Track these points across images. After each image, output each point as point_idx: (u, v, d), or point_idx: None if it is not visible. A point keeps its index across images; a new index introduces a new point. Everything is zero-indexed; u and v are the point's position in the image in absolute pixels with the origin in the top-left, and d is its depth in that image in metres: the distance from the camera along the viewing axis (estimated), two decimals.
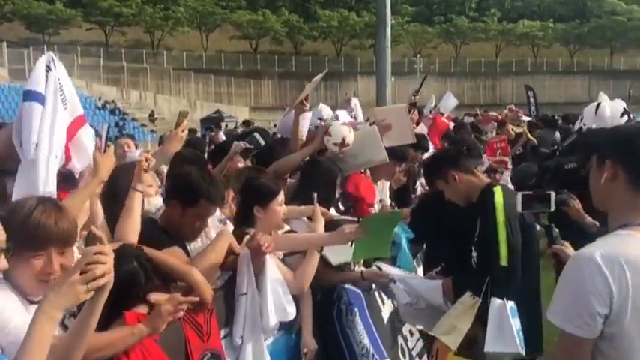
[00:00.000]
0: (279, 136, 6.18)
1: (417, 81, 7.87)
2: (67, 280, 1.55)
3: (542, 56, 59.68)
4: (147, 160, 2.66)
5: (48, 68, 2.85)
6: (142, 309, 2.24)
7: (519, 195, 2.67)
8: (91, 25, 50.34)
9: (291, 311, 2.84)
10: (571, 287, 1.79)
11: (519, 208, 2.69)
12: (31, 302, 1.88)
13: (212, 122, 37.30)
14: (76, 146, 3.07)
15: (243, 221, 3.16)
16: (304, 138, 4.60)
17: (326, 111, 5.45)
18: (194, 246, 2.86)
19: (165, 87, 45.05)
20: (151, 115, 35.97)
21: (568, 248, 2.53)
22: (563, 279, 1.83)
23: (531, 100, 23.38)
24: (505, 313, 3.09)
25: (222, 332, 2.74)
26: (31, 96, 2.77)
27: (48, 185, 2.74)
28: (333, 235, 3.07)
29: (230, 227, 2.97)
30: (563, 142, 11.19)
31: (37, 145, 2.70)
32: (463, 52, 59.23)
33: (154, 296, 2.29)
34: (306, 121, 4.85)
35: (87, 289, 1.56)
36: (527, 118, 13.83)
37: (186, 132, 3.47)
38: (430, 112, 8.09)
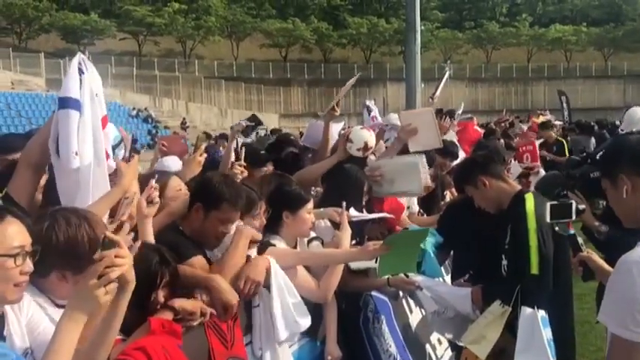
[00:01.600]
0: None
1: (446, 86, 7.76)
2: (86, 284, 1.59)
3: (575, 61, 58.65)
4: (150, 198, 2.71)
5: (80, 71, 2.70)
6: (167, 315, 2.26)
7: (548, 205, 2.65)
8: (125, 35, 51.35)
9: (303, 323, 2.80)
10: (621, 292, 1.77)
11: (548, 218, 2.67)
12: (58, 306, 1.93)
13: (246, 129, 37.72)
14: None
15: (270, 226, 3.18)
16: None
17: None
18: (214, 255, 2.86)
19: (196, 95, 45.63)
20: (183, 123, 36.43)
21: (595, 256, 2.50)
22: (613, 284, 1.82)
23: (564, 105, 23.01)
24: (536, 322, 3.02)
25: (246, 339, 2.73)
26: (66, 103, 2.62)
27: (88, 196, 2.64)
28: (357, 252, 3.07)
29: None
30: (596, 149, 10.99)
31: (76, 154, 2.59)
32: (494, 58, 58.59)
33: (178, 303, 2.31)
34: (337, 127, 4.85)
35: (105, 292, 1.60)
36: (559, 123, 13.64)
37: (204, 156, 3.53)
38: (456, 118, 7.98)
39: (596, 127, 15.91)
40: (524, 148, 8.56)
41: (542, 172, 7.78)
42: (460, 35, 58.43)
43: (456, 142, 6.05)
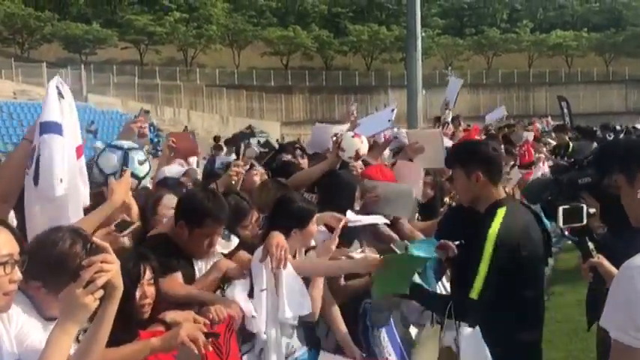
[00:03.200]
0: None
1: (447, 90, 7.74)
2: (74, 293, 1.59)
3: (576, 66, 58.68)
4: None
5: (60, 95, 2.61)
6: (159, 329, 2.25)
7: (560, 209, 2.61)
8: (126, 44, 51.57)
9: (306, 305, 2.83)
10: (624, 298, 1.76)
11: (560, 223, 2.62)
12: (48, 319, 1.91)
13: (245, 138, 37.88)
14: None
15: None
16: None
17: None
18: (198, 265, 2.88)
19: (198, 103, 45.75)
20: (185, 131, 36.51)
21: (605, 261, 2.46)
22: (615, 290, 1.80)
23: (565, 111, 22.98)
24: (479, 342, 2.80)
25: (244, 348, 2.73)
26: (48, 128, 2.49)
27: (78, 215, 2.62)
28: (355, 263, 3.07)
29: (235, 241, 2.97)
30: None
31: (61, 181, 2.48)
32: (495, 64, 58.65)
33: (170, 315, 2.30)
34: (335, 130, 4.88)
35: (94, 299, 1.60)
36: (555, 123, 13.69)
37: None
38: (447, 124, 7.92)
39: (598, 132, 15.91)
40: (522, 149, 8.57)
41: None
42: (461, 42, 58.53)
43: None
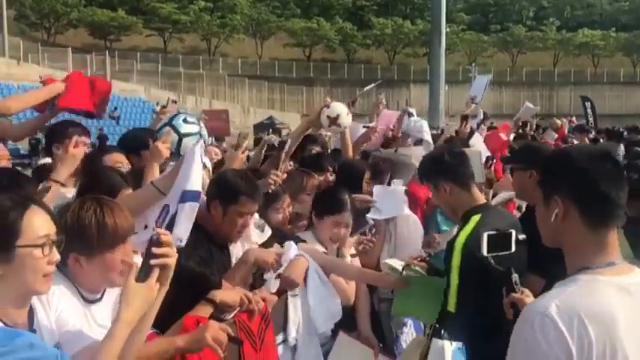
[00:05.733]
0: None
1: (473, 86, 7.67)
2: (131, 283, 1.64)
3: (602, 66, 57.75)
4: None
5: (204, 164, 2.55)
6: (206, 311, 2.24)
7: (484, 235, 2.27)
8: (151, 31, 51.88)
9: (337, 311, 2.84)
10: (524, 349, 1.53)
11: (484, 251, 2.27)
12: (89, 302, 1.94)
13: (265, 128, 37.92)
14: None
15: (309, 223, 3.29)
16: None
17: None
18: (235, 250, 2.88)
19: (220, 93, 45.90)
20: (204, 111, 36.65)
21: (529, 297, 2.11)
22: (515, 338, 1.57)
23: (588, 111, 22.64)
24: (446, 356, 2.77)
25: (278, 339, 2.73)
26: (190, 197, 2.43)
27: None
28: (377, 278, 3.11)
29: (268, 232, 2.98)
30: (627, 154, 10.78)
31: (181, 241, 2.42)
32: (520, 62, 57.95)
33: (220, 296, 2.28)
34: (356, 127, 4.88)
35: (152, 288, 1.65)
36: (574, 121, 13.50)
37: (247, 153, 3.50)
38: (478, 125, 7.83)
39: (625, 133, 15.64)
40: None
41: None
42: (485, 38, 57.90)
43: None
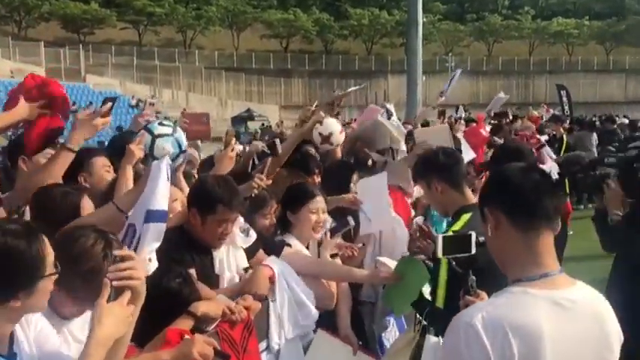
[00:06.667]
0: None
1: (448, 79, 7.70)
2: (102, 304, 1.60)
3: (577, 54, 58.46)
4: None
5: (168, 178, 2.48)
6: (187, 324, 2.21)
7: (439, 237, 2.26)
8: (125, 24, 51.16)
9: (309, 323, 2.82)
10: (449, 357, 1.56)
11: (439, 253, 2.25)
12: (66, 318, 1.91)
13: (242, 121, 37.71)
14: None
15: (282, 225, 3.23)
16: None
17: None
18: (218, 253, 2.83)
19: (197, 86, 45.53)
20: (184, 112, 36.36)
21: (483, 300, 2.08)
22: (444, 345, 1.60)
23: (564, 99, 22.92)
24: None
25: (262, 345, 2.70)
26: (155, 217, 2.36)
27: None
28: (368, 275, 3.10)
29: (253, 237, 2.93)
30: (601, 144, 10.94)
31: (150, 260, 2.36)
32: (496, 51, 58.38)
33: (202, 308, 2.25)
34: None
35: (125, 309, 1.62)
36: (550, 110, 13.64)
37: (236, 151, 3.42)
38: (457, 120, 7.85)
39: (597, 123, 15.86)
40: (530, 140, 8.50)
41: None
42: (462, 28, 58.20)
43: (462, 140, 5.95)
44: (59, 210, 2.48)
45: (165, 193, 2.41)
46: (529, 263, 1.61)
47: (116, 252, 1.71)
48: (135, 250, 2.28)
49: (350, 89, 5.05)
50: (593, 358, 1.60)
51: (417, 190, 4.52)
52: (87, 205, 2.61)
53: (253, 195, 3.15)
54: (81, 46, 42.56)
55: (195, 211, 2.72)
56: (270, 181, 3.30)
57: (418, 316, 2.82)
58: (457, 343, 1.51)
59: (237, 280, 2.80)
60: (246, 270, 2.84)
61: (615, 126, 14.30)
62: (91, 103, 32.94)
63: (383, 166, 4.42)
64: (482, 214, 1.72)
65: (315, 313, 2.86)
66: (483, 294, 2.09)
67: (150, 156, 2.63)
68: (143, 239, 2.34)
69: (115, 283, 1.62)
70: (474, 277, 2.14)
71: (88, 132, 2.76)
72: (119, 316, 1.60)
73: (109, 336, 1.59)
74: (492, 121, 9.13)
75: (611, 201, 3.55)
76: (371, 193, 3.59)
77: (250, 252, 2.92)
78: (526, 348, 1.48)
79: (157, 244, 2.37)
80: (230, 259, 2.81)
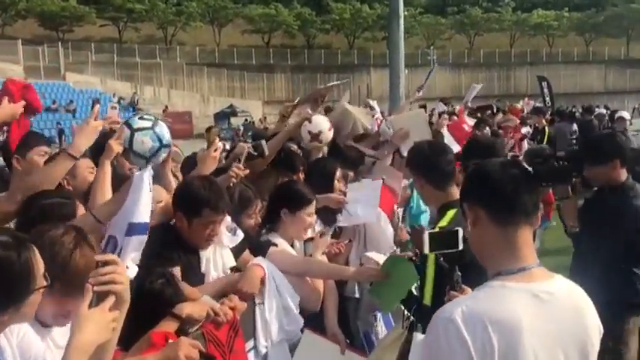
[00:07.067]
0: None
1: (433, 78, 7.69)
2: (83, 310, 1.55)
3: (557, 46, 58.97)
4: None
5: (151, 190, 2.43)
6: (172, 326, 2.19)
7: (426, 234, 2.26)
8: (105, 21, 50.59)
9: (294, 329, 2.81)
10: (430, 352, 1.56)
11: (426, 249, 2.26)
12: (47, 326, 1.86)
13: (225, 117, 37.53)
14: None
15: (268, 222, 3.19)
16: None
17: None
18: (205, 253, 2.80)
19: (178, 82, 45.21)
20: (165, 110, 36.12)
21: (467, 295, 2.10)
22: (425, 341, 1.60)
23: (545, 91, 23.10)
24: None
25: (249, 345, 2.69)
26: (137, 230, 2.33)
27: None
28: (354, 272, 3.09)
29: (240, 236, 2.91)
30: (581, 134, 11.06)
31: (128, 268, 2.32)
32: (477, 43, 58.68)
33: (186, 310, 2.22)
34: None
35: (106, 315, 1.57)
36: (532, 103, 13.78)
37: (220, 150, 3.38)
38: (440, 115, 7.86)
39: (577, 113, 16.02)
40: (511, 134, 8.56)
41: None
42: (443, 21, 58.38)
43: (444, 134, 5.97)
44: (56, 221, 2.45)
45: (147, 205, 2.38)
46: (508, 257, 1.62)
47: (98, 257, 1.66)
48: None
49: (332, 83, 5.03)
50: (573, 349, 1.60)
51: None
52: (81, 212, 2.59)
53: (237, 196, 3.11)
54: (60, 43, 42.02)
55: (181, 214, 2.69)
56: (248, 171, 3.26)
57: (406, 312, 2.83)
58: (438, 338, 1.52)
59: None
60: (232, 269, 2.82)
61: (592, 117, 14.44)
62: (71, 101, 32.69)
63: (371, 165, 4.40)
64: (462, 209, 1.73)
65: (300, 320, 2.85)
66: (468, 289, 2.07)
67: (129, 150, 2.60)
68: (124, 252, 2.32)
69: (96, 288, 1.58)
70: (459, 273, 2.15)
71: (87, 138, 2.75)
72: (100, 322, 1.56)
73: (90, 342, 1.54)
74: (473, 113, 9.19)
75: (566, 214, 3.62)
76: (361, 196, 3.58)
77: (237, 251, 2.90)
78: (506, 341, 1.49)
79: (138, 254, 2.35)
80: (217, 258, 2.79)
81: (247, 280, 2.70)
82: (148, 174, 2.41)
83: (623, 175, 3.48)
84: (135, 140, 2.54)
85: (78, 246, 1.80)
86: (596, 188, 3.62)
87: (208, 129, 12.28)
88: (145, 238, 2.37)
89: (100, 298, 1.59)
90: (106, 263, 1.62)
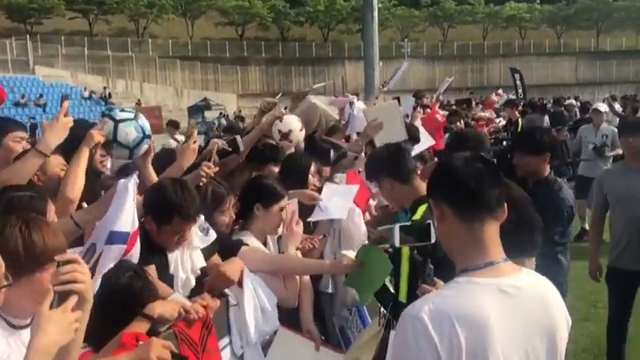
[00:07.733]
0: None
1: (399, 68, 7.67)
2: (43, 310, 1.49)
3: (529, 38, 59.69)
4: None
5: (134, 199, 2.37)
6: (143, 326, 2.14)
7: (396, 227, 2.23)
8: (75, 13, 49.72)
9: (270, 329, 2.78)
10: (398, 350, 1.55)
11: (396, 242, 2.24)
12: (16, 327, 1.78)
13: (199, 110, 37.23)
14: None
15: (241, 219, 3.14)
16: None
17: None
18: (173, 255, 2.73)
19: (151, 75, 44.69)
20: (138, 104, 35.69)
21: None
22: (394, 340, 1.59)
23: (517, 83, 23.41)
24: None
25: (224, 342, 2.65)
26: (118, 238, 2.29)
27: None
28: (329, 266, 3.10)
29: (212, 236, 2.86)
30: (552, 126, 11.24)
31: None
32: (450, 36, 59.11)
33: (157, 310, 2.18)
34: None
35: (69, 316, 1.51)
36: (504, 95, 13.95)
37: (198, 143, 3.32)
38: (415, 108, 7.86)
39: (549, 105, 16.24)
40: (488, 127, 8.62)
41: None
42: (417, 13, 58.67)
43: (418, 127, 5.97)
44: None
45: (129, 215, 2.33)
46: (474, 253, 1.61)
47: (57, 257, 1.59)
48: (93, 269, 2.21)
49: (315, 86, 5.05)
50: (540, 342, 1.60)
51: None
52: (52, 210, 2.51)
53: (210, 193, 3.05)
54: (28, 36, 41.18)
55: (151, 218, 2.62)
56: (218, 169, 3.21)
57: (383, 309, 2.82)
58: (406, 336, 1.51)
59: (192, 281, 2.72)
60: (202, 270, 2.77)
61: (562, 108, 14.64)
62: (41, 95, 32.08)
63: (352, 161, 4.39)
64: (429, 205, 1.72)
65: (276, 319, 2.81)
66: (440, 283, 2.05)
67: (114, 141, 2.54)
68: (103, 259, 2.28)
69: (57, 288, 1.52)
70: (431, 266, 2.11)
71: (57, 135, 2.69)
72: (61, 323, 1.50)
73: (52, 343, 1.48)
74: (449, 107, 9.24)
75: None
76: (335, 195, 3.56)
77: (208, 252, 2.84)
78: (473, 337, 1.48)
79: (115, 262, 2.31)
80: (185, 258, 2.73)
81: (229, 265, 2.66)
82: (132, 183, 2.35)
83: (547, 169, 3.74)
84: (119, 131, 2.51)
85: (29, 235, 1.73)
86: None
87: (168, 123, 12.45)
88: (124, 247, 2.33)
89: (61, 298, 1.53)
90: (66, 262, 1.56)
